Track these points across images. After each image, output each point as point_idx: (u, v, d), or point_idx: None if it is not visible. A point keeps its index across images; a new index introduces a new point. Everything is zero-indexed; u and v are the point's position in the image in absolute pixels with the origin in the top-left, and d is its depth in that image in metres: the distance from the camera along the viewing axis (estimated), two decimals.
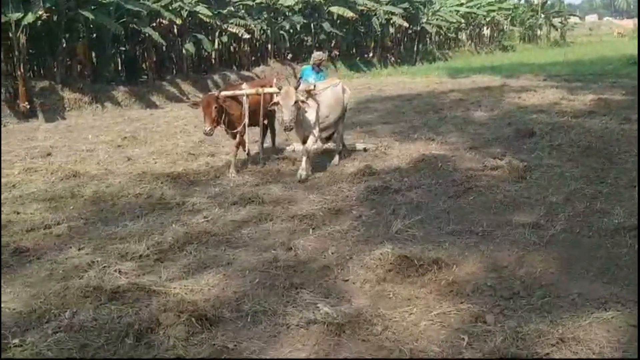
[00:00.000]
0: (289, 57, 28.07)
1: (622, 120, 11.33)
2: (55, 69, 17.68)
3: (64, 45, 17.99)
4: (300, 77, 9.61)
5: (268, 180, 8.16)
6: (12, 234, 6.28)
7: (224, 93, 8.56)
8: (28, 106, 15.64)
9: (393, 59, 33.73)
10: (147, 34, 19.54)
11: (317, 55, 9.74)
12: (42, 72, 18.41)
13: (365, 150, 9.71)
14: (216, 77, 22.23)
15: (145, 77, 21.10)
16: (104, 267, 5.12)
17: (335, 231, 5.91)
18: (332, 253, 5.36)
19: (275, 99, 7.97)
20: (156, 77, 20.91)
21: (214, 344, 3.86)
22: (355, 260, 5.14)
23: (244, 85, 9.09)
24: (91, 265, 5.20)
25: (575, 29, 60.49)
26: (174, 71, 22.37)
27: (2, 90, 15.62)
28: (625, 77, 18.93)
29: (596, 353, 3.55)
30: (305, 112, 8.02)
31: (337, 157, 9.06)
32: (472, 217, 6.24)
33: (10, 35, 15.66)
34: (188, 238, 5.86)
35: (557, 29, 51.46)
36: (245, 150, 8.98)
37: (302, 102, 7.73)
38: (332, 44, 30.54)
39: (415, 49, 35.93)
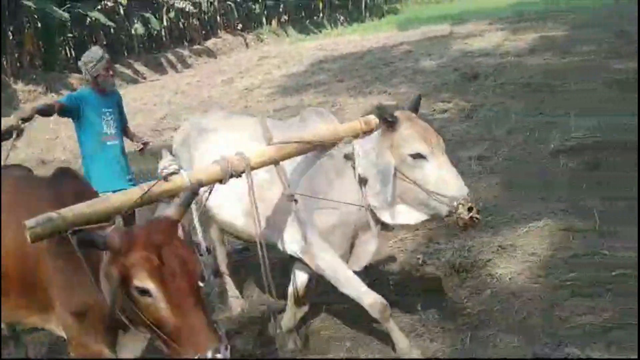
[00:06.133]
0: (239, 28, 28.09)
1: (563, 54, 11.94)
2: (5, 62, 17.58)
3: (11, 37, 17.85)
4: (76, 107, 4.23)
5: None
6: None
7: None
8: None
9: (342, 18, 33.93)
10: (93, 18, 19.46)
11: (89, 57, 4.27)
12: None
13: None
14: (169, 54, 22.23)
15: None
16: None
17: None
18: None
19: None
20: None
21: None
22: None
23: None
24: None
25: None
26: (125, 52, 22.31)
27: None
28: (569, 13, 19.46)
29: (529, 254, 4.12)
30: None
31: None
32: None
33: None
34: None
35: None
36: None
37: None
38: (280, 10, 30.61)
39: (363, 5, 36.14)
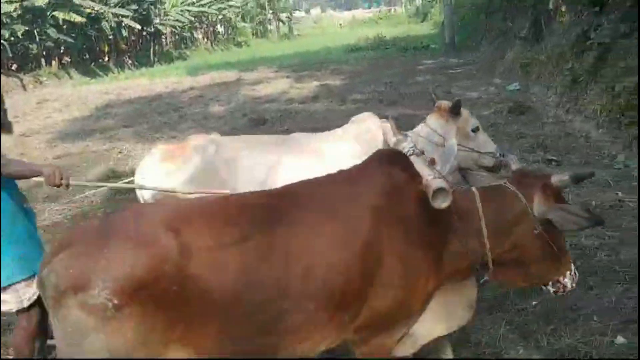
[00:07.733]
0: (13, 68, 26.05)
1: (341, 102, 12.97)
2: None
3: None
4: None
5: None
6: None
7: None
8: None
9: (130, 62, 33.15)
10: None
11: None
12: None
13: None
14: None
15: None
16: None
17: None
18: None
19: None
20: None
21: None
22: None
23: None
24: None
25: (302, 22, 65.08)
26: None
27: None
28: (344, 64, 21.32)
29: None
30: None
31: None
32: None
33: None
34: None
35: (284, 23, 54.85)
36: None
37: None
38: (62, 51, 29.02)
39: (151, 50, 35.69)
